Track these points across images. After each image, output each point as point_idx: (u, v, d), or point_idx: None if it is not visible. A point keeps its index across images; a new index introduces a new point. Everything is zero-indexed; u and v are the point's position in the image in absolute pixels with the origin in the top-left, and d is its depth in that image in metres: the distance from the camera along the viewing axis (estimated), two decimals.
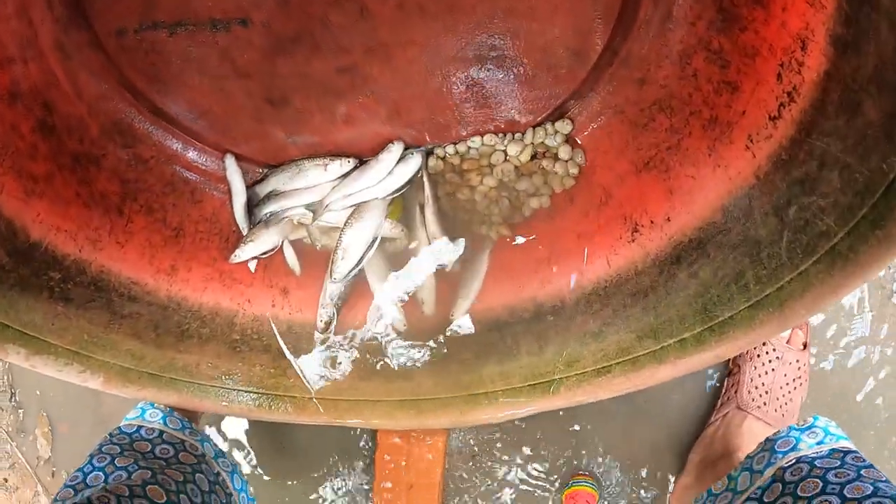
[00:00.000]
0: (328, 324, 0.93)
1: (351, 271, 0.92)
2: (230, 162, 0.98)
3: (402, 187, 0.94)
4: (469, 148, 0.95)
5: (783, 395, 1.07)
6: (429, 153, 0.96)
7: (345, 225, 0.92)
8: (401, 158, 0.94)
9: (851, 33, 0.56)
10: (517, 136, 0.95)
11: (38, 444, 1.33)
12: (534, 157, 0.95)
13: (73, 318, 0.81)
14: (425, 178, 0.94)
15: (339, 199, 0.94)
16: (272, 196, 0.98)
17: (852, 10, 0.55)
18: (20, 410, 1.32)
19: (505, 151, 0.94)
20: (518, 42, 0.86)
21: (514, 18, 0.84)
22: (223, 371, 0.89)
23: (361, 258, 0.92)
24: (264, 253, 0.96)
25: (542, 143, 0.94)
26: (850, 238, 0.58)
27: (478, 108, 0.92)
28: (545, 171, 0.94)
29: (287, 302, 0.96)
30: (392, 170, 0.94)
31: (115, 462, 0.82)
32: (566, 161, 0.93)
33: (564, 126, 0.93)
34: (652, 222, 0.83)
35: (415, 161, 0.94)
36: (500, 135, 0.95)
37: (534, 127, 0.94)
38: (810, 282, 0.62)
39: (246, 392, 0.88)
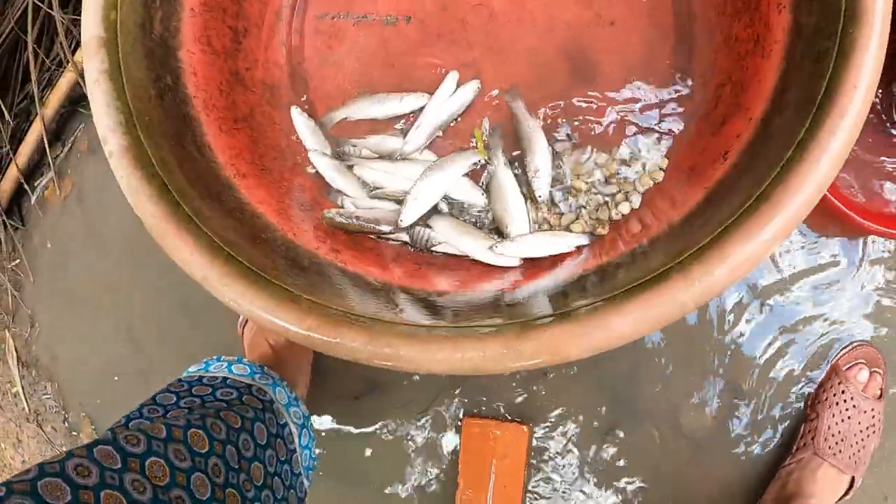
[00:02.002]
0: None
1: (420, 216, 0.96)
2: (296, 114, 1.06)
3: (460, 110, 1.02)
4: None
5: (857, 443, 1.11)
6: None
7: (424, 171, 0.97)
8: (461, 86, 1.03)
9: None
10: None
11: None
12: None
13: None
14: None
15: (412, 131, 1.01)
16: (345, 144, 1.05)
17: None
18: (74, 433, 1.36)
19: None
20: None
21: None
22: None
23: (432, 205, 0.97)
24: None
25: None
26: None
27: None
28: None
29: None
30: (453, 93, 1.02)
31: (168, 415, 0.77)
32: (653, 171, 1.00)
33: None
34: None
35: (472, 85, 1.03)
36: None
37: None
38: None
39: None
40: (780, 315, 1.18)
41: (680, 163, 0.97)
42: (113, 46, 0.88)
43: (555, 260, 0.93)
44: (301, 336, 0.73)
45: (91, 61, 0.86)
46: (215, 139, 0.95)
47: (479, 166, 0.99)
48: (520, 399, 1.19)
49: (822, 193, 0.71)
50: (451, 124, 1.03)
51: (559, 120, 1.01)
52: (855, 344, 1.17)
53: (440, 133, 1.03)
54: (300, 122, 1.05)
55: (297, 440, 0.88)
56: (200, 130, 0.94)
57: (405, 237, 0.97)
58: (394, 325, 0.73)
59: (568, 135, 1.01)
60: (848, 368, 1.14)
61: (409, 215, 0.95)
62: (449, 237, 0.94)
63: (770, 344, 1.18)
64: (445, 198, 0.98)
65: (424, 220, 0.96)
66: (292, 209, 0.95)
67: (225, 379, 0.87)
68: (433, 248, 0.96)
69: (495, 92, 1.03)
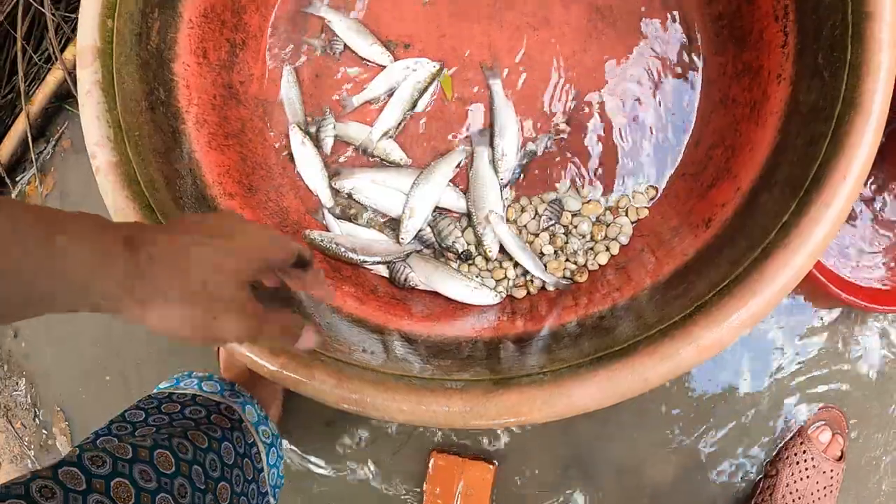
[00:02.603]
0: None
1: (419, 231, 1.01)
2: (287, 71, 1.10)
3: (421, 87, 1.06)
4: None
5: (813, 501, 1.15)
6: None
7: (413, 185, 1.01)
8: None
9: None
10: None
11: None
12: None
13: None
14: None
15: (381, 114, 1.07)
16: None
17: None
18: (44, 430, 1.36)
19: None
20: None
21: None
22: None
23: (426, 220, 1.01)
24: None
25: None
26: None
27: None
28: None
29: None
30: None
31: (136, 433, 0.77)
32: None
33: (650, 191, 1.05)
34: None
35: (430, 66, 1.07)
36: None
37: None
38: None
39: None
40: (745, 372, 1.21)
41: (663, 220, 0.99)
42: (108, 57, 0.89)
43: (529, 311, 0.95)
44: (272, 373, 0.75)
45: (85, 71, 0.87)
46: (205, 156, 0.96)
47: (461, 166, 1.04)
48: (486, 439, 1.22)
49: (798, 281, 0.73)
50: (420, 110, 1.07)
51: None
52: (820, 406, 1.20)
53: (408, 115, 1.07)
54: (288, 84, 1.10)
55: (264, 459, 0.89)
56: (190, 147, 0.95)
57: (383, 270, 0.99)
58: (364, 369, 0.75)
59: (573, 179, 1.04)
60: (811, 430, 1.18)
61: (408, 233, 1.00)
62: (427, 278, 0.96)
63: (733, 400, 1.21)
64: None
65: (404, 258, 0.98)
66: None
67: (195, 397, 0.87)
68: (410, 285, 0.98)
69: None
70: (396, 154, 1.05)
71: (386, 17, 1.10)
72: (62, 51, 1.25)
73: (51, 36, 1.22)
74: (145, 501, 0.65)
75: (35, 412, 1.35)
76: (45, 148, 1.35)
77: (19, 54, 1.26)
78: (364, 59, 1.09)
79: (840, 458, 1.17)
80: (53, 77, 1.26)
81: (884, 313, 1.19)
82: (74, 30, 1.23)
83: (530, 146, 1.03)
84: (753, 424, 1.21)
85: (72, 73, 1.25)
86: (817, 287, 1.05)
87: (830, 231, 0.73)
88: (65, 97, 1.33)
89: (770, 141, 0.87)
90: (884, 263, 1.16)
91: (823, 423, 1.18)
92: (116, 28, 0.90)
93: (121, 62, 0.89)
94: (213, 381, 0.93)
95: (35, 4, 1.22)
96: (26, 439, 1.36)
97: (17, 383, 1.36)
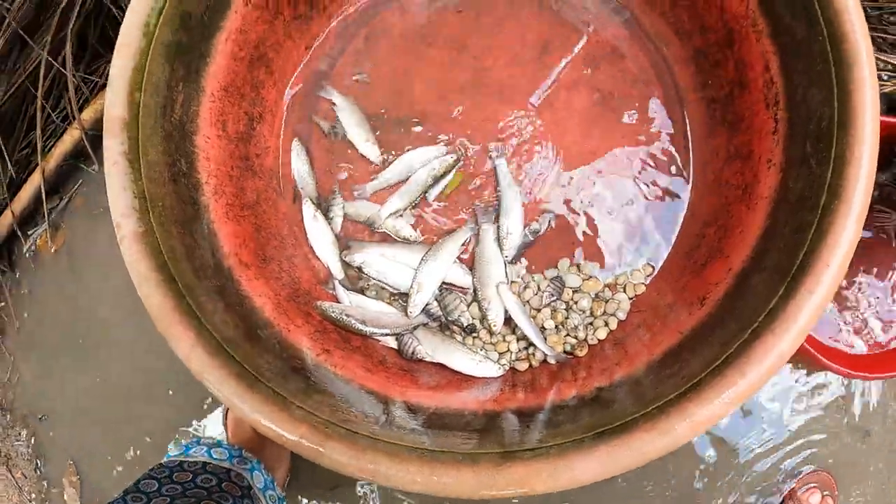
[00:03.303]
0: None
1: (427, 305, 1.07)
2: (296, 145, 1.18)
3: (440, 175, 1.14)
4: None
5: None
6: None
7: (421, 262, 1.08)
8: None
9: None
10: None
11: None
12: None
13: None
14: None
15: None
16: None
17: None
18: (44, 481, 1.41)
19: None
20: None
21: None
22: None
23: (433, 294, 1.08)
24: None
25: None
26: None
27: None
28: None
29: None
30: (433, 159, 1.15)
31: (148, 494, 0.82)
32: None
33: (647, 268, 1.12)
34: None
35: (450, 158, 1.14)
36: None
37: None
38: None
39: None
40: (741, 437, 1.28)
41: (660, 296, 1.06)
42: (134, 128, 0.95)
43: (530, 383, 1.01)
44: (292, 443, 0.80)
45: (112, 141, 0.93)
46: (222, 226, 1.02)
47: (468, 243, 1.11)
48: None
49: (784, 362, 0.80)
50: (431, 199, 1.15)
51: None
52: (811, 469, 1.27)
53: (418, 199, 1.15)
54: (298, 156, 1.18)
55: None
56: (209, 217, 1.01)
57: (392, 342, 1.06)
58: (378, 441, 0.81)
59: (573, 256, 1.11)
60: (801, 492, 1.24)
61: (416, 307, 1.07)
62: (434, 350, 1.03)
63: (728, 466, 1.27)
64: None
65: (411, 331, 1.05)
66: (288, 303, 1.03)
67: (205, 465, 0.92)
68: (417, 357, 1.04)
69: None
70: (406, 231, 1.12)
71: (398, 93, 1.19)
72: (80, 110, 1.31)
73: (70, 96, 1.29)
74: None
75: (37, 463, 1.40)
76: (59, 204, 1.41)
77: (38, 112, 1.32)
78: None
79: None
80: (70, 136, 1.33)
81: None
82: (93, 91, 1.30)
83: (534, 225, 1.11)
84: (745, 485, 1.27)
85: (88, 132, 1.31)
86: (805, 353, 1.12)
87: (814, 316, 0.81)
88: (80, 156, 1.39)
89: (760, 224, 0.94)
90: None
91: (813, 485, 1.25)
92: (143, 101, 0.96)
93: (146, 134, 0.95)
94: (222, 449, 0.98)
95: (56, 65, 1.29)
96: (26, 489, 1.41)
97: (19, 433, 1.41)
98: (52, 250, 1.40)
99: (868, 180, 0.83)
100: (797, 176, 0.91)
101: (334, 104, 1.18)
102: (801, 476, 1.27)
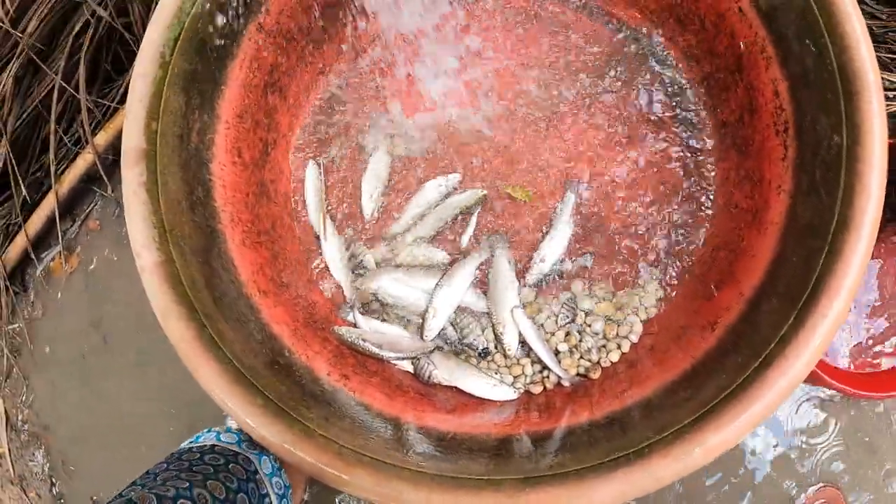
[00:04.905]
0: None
1: (442, 330, 1.11)
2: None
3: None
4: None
5: None
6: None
7: (436, 287, 1.11)
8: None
9: None
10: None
11: None
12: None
13: None
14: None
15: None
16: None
17: None
18: (60, 501, 1.44)
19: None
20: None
21: None
22: None
23: (448, 318, 1.12)
24: None
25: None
26: None
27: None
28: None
29: None
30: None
31: (158, 478, 0.84)
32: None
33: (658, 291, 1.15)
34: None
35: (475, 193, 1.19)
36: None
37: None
38: None
39: None
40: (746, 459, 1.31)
41: (672, 318, 1.10)
42: (152, 158, 0.98)
43: (545, 406, 1.05)
44: (317, 470, 0.84)
45: (131, 172, 0.96)
46: (239, 254, 1.05)
47: (481, 267, 1.14)
48: None
49: (796, 387, 0.84)
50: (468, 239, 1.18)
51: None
52: (819, 486, 1.30)
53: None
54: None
55: None
56: (226, 245, 1.04)
57: (408, 366, 1.09)
58: (400, 468, 0.84)
59: (591, 287, 1.14)
60: None
61: (431, 332, 1.10)
62: (450, 374, 1.06)
63: (735, 486, 1.31)
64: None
65: (427, 355, 1.09)
66: (306, 329, 1.06)
67: (213, 447, 0.94)
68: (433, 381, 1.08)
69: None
70: (438, 256, 1.16)
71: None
72: (93, 134, 1.34)
73: (83, 120, 1.32)
74: None
75: (51, 483, 1.43)
76: (72, 227, 1.44)
77: (52, 136, 1.35)
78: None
79: None
80: (83, 159, 1.36)
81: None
82: (105, 114, 1.33)
83: (566, 264, 1.15)
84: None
85: (101, 156, 1.34)
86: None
87: (826, 342, 0.84)
88: (93, 179, 1.42)
89: (771, 249, 0.97)
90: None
91: (822, 501, 1.28)
92: (161, 130, 0.99)
93: (164, 163, 0.98)
94: (231, 433, 1.00)
95: (69, 89, 1.32)
96: None
97: (33, 454, 1.44)
98: (67, 272, 1.43)
99: (877, 209, 0.86)
100: (807, 203, 0.94)
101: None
102: (810, 494, 1.30)
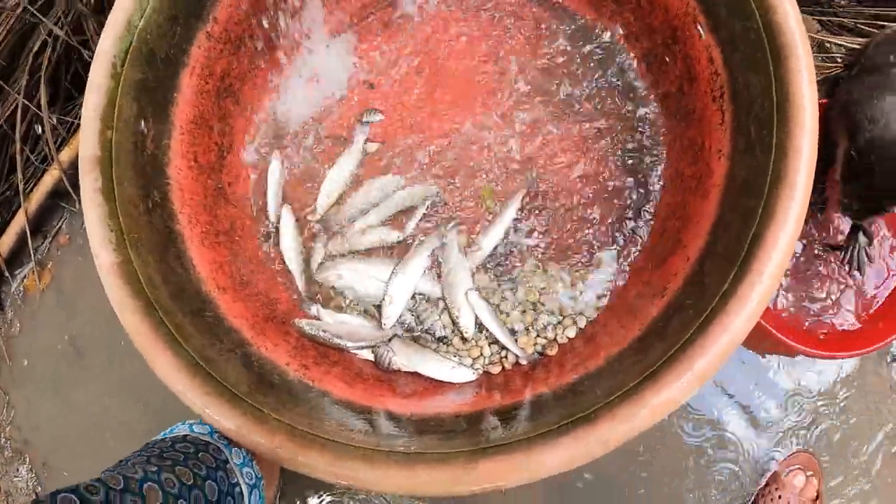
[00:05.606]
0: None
1: (400, 317, 1.12)
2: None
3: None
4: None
5: None
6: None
7: (391, 275, 1.13)
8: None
9: None
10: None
11: None
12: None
13: None
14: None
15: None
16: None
17: None
18: None
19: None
20: None
21: None
22: None
23: (405, 305, 1.13)
24: None
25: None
26: None
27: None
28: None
29: None
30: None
31: (129, 463, 0.85)
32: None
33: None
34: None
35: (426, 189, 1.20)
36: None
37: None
38: None
39: None
40: (719, 423, 1.31)
41: (626, 290, 1.11)
42: (107, 165, 1.01)
43: (504, 385, 1.06)
44: (269, 452, 0.85)
45: (87, 178, 0.99)
46: (198, 253, 1.07)
47: (435, 254, 1.16)
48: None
49: (739, 342, 0.84)
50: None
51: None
52: (792, 451, 1.30)
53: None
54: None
55: (247, 499, 0.97)
56: (184, 245, 1.06)
57: (368, 354, 1.10)
58: (355, 448, 0.85)
59: (544, 266, 1.15)
60: (785, 475, 1.27)
61: (389, 319, 1.12)
62: (409, 360, 1.07)
63: (710, 451, 1.31)
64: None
65: (387, 342, 1.10)
66: (267, 323, 1.08)
67: (185, 436, 0.96)
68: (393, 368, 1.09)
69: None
70: (392, 236, 1.18)
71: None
72: (58, 151, 1.37)
73: (48, 137, 1.35)
74: None
75: (36, 496, 1.43)
76: (43, 243, 1.46)
77: (18, 155, 1.38)
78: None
79: (816, 499, 1.26)
80: (51, 176, 1.39)
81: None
82: (69, 131, 1.35)
83: (518, 244, 1.17)
84: (729, 472, 1.30)
85: (67, 172, 1.37)
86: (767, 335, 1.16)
87: (765, 296, 0.85)
88: (61, 195, 1.44)
89: (713, 212, 0.99)
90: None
91: (797, 467, 1.28)
92: (115, 139, 1.02)
93: (120, 169, 1.01)
94: (204, 424, 1.01)
95: (33, 108, 1.35)
96: None
97: (17, 469, 1.45)
98: (42, 288, 1.45)
99: (809, 163, 0.87)
100: (743, 163, 0.96)
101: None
102: (783, 459, 1.30)
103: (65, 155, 1.36)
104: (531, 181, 1.19)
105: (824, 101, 1.16)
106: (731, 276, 0.87)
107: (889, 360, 1.34)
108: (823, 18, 1.33)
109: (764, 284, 0.85)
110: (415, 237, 1.19)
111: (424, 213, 1.19)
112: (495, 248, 1.16)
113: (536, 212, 1.17)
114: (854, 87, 1.11)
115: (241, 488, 0.96)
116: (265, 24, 1.22)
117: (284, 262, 1.19)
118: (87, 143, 1.00)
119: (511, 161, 1.21)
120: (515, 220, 1.17)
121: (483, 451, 0.84)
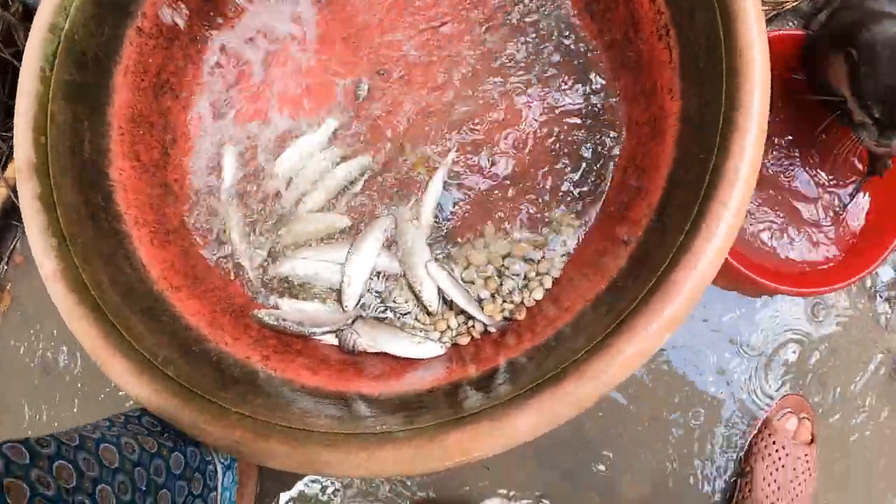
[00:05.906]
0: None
1: (360, 297, 1.09)
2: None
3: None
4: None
5: (794, 489, 1.20)
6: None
7: (347, 255, 1.09)
8: None
9: None
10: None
11: None
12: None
13: None
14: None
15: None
16: None
17: None
18: None
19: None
20: None
21: None
22: None
23: (365, 284, 1.09)
24: None
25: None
26: None
27: None
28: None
29: None
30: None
31: (87, 426, 0.82)
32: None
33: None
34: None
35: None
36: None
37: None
38: None
39: None
40: (706, 373, 1.28)
41: (589, 246, 1.07)
42: (45, 171, 0.97)
43: (475, 355, 1.02)
44: (230, 446, 0.82)
45: (25, 186, 0.96)
46: (147, 254, 1.04)
47: (389, 233, 1.12)
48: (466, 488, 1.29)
49: (708, 281, 0.81)
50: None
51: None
52: (781, 396, 1.27)
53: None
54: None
55: (220, 479, 0.95)
56: (132, 247, 1.03)
57: (332, 339, 1.07)
58: (317, 433, 0.82)
59: (504, 229, 1.12)
60: (776, 420, 1.24)
61: (349, 300, 1.08)
62: (374, 340, 1.04)
63: (700, 403, 1.28)
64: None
65: (350, 325, 1.06)
66: (224, 318, 1.04)
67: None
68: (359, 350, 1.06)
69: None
70: (341, 223, 1.14)
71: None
72: (3, 168, 1.33)
73: None
74: (86, 487, 0.70)
75: None
76: None
77: None
78: None
79: (811, 442, 1.23)
80: None
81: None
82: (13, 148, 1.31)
83: (456, 215, 1.13)
84: (721, 422, 1.27)
85: (14, 189, 1.33)
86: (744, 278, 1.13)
87: (731, 231, 0.81)
88: (12, 214, 1.40)
89: (670, 155, 0.95)
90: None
91: (787, 410, 1.25)
92: (50, 143, 0.98)
93: (57, 175, 0.98)
94: None
95: None
96: None
97: None
98: (2, 311, 1.41)
99: (762, 92, 0.84)
100: (694, 99, 0.93)
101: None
102: (773, 402, 1.27)
103: (10, 172, 1.32)
104: (467, 141, 1.15)
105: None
106: (692, 216, 0.83)
107: (872, 291, 1.31)
108: None
109: (729, 216, 0.81)
110: (364, 217, 1.15)
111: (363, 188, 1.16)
112: (438, 216, 1.12)
113: (487, 173, 1.14)
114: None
115: (214, 466, 0.94)
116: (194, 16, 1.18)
117: (236, 256, 1.15)
118: (21, 151, 0.98)
119: (449, 122, 1.17)
120: (469, 187, 1.13)
121: (455, 423, 0.81)
